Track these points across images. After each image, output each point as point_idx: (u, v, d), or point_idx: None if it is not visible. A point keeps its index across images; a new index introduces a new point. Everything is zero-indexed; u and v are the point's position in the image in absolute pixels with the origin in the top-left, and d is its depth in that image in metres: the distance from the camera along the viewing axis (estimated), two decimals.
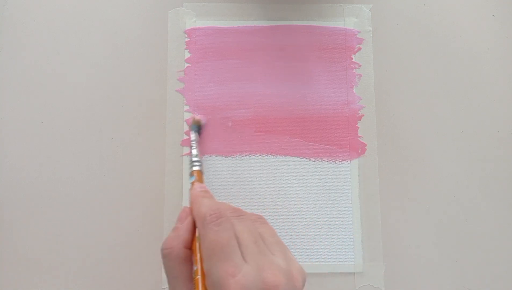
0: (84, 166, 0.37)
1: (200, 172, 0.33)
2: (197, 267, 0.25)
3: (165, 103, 0.38)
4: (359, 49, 0.39)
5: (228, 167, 0.37)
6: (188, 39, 0.39)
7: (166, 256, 0.26)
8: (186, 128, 0.37)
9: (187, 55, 0.39)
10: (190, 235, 0.27)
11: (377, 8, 0.40)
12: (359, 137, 0.38)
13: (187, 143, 0.37)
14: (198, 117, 0.37)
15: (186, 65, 0.38)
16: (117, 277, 0.35)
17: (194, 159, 0.34)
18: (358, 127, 0.38)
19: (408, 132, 0.38)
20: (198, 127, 0.37)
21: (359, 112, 0.38)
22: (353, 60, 0.39)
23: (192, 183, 0.32)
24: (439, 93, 0.39)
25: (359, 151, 0.37)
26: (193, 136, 0.36)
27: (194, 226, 0.27)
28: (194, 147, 0.35)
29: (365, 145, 0.38)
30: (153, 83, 0.38)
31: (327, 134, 0.38)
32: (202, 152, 0.37)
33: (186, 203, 0.36)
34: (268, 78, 0.38)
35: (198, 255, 0.25)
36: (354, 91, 0.38)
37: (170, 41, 0.39)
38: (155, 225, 0.36)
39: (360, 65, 0.39)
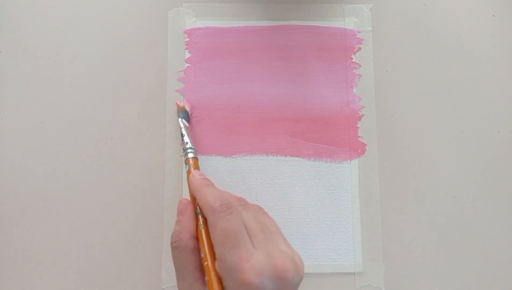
0: (84, 166, 0.37)
1: (195, 159, 0.33)
2: (204, 253, 0.26)
3: (165, 103, 0.38)
4: (359, 49, 0.39)
5: (228, 167, 0.37)
6: (188, 39, 0.39)
7: (176, 248, 0.27)
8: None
9: (187, 55, 0.39)
10: (194, 225, 0.28)
11: (377, 8, 0.40)
12: (359, 137, 0.38)
13: None
14: (182, 103, 0.37)
15: (186, 65, 0.38)
16: (117, 277, 0.35)
17: (187, 146, 0.33)
18: (358, 127, 0.38)
19: (408, 132, 0.38)
20: (185, 114, 0.36)
21: (359, 112, 0.38)
22: (353, 60, 0.39)
23: (188, 171, 0.32)
24: (439, 93, 0.39)
25: (359, 151, 0.37)
26: (181, 123, 0.36)
27: (196, 215, 0.28)
28: (185, 134, 0.34)
29: (365, 145, 0.38)
30: (153, 83, 0.38)
31: (327, 134, 0.38)
32: (202, 152, 0.37)
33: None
34: (268, 78, 0.38)
35: (205, 241, 0.27)
36: (354, 91, 0.38)
37: (170, 41, 0.39)
38: (155, 225, 0.36)
39: (360, 65, 0.39)
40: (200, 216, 0.28)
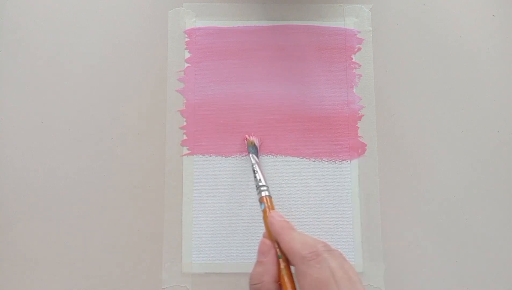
0: (84, 166, 0.37)
1: (270, 198, 0.31)
2: None
3: (165, 103, 0.38)
4: (359, 49, 0.39)
5: (228, 167, 0.37)
6: (188, 39, 0.39)
7: None
8: (185, 128, 0.37)
9: (187, 55, 0.39)
10: (277, 269, 0.27)
11: (377, 8, 0.40)
12: (359, 137, 0.38)
13: (187, 143, 0.37)
14: (251, 138, 0.36)
15: (186, 65, 0.38)
16: (117, 277, 0.35)
17: (260, 184, 0.32)
18: (358, 127, 0.38)
19: (408, 132, 0.38)
20: (255, 148, 0.36)
21: (359, 112, 0.38)
22: (353, 60, 0.39)
23: (264, 211, 0.31)
24: (439, 93, 0.39)
25: (359, 151, 0.37)
26: (253, 159, 0.35)
27: (278, 259, 0.28)
28: (258, 171, 0.33)
29: (365, 145, 0.38)
30: (153, 83, 0.38)
31: (327, 134, 0.38)
32: (202, 151, 0.37)
33: (185, 203, 0.36)
34: (268, 78, 0.38)
35: (289, 288, 0.26)
36: (354, 91, 0.38)
37: (170, 41, 0.39)
38: (155, 225, 0.36)
39: (360, 65, 0.39)
40: (281, 260, 0.28)
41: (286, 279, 0.27)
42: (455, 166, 0.38)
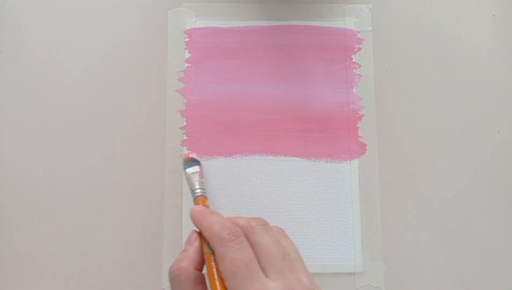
0: (84, 166, 0.37)
1: (201, 197, 0.32)
2: (214, 288, 0.24)
3: (165, 103, 0.38)
4: (359, 49, 0.39)
5: (228, 167, 0.37)
6: (188, 39, 0.39)
7: (175, 278, 0.25)
8: (185, 128, 0.37)
9: (187, 55, 0.39)
10: (199, 256, 0.26)
11: (377, 8, 0.40)
12: (359, 137, 0.38)
13: (187, 143, 0.37)
14: (186, 155, 0.36)
15: (186, 65, 0.38)
16: (117, 277, 0.35)
17: (193, 188, 0.33)
18: (358, 127, 0.38)
19: (408, 132, 0.38)
20: (190, 163, 0.36)
21: (359, 112, 0.38)
22: (353, 60, 0.39)
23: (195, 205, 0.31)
24: (439, 93, 0.39)
25: (359, 151, 0.37)
26: (190, 170, 0.35)
27: (202, 248, 0.26)
28: (191, 179, 0.34)
29: (365, 145, 0.38)
30: (153, 83, 0.38)
31: (327, 134, 0.38)
32: (202, 152, 0.37)
33: (185, 204, 0.36)
34: (268, 78, 0.38)
35: (216, 276, 0.24)
36: (354, 91, 0.38)
37: (170, 41, 0.39)
38: (155, 225, 0.36)
39: (360, 65, 0.39)
40: (206, 247, 0.26)
41: (212, 265, 0.25)
42: (455, 166, 0.38)
